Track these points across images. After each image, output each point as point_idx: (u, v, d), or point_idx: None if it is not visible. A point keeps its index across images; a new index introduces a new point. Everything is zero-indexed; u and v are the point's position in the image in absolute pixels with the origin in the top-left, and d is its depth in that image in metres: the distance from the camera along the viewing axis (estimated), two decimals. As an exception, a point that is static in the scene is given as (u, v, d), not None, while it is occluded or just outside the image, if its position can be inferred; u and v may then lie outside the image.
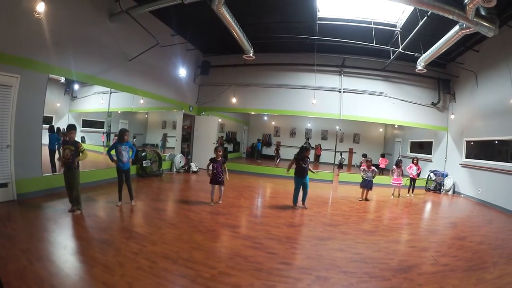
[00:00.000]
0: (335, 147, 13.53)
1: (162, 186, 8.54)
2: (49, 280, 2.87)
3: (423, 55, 8.67)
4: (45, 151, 6.27)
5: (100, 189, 7.08)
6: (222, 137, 16.63)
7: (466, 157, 10.30)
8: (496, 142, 8.96)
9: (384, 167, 12.71)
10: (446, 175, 10.94)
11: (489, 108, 9.03)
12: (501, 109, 8.38)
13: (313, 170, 7.08)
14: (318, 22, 8.76)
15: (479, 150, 9.83)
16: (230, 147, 17.37)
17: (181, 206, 6.28)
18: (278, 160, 15.30)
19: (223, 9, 6.86)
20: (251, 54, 9.54)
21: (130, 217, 5.38)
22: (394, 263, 4.03)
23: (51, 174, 6.27)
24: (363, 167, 8.52)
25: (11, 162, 5.37)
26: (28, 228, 4.20)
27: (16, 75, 5.35)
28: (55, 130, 7.14)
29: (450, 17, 5.96)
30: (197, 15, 8.84)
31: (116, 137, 5.25)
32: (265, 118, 18.78)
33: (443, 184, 10.83)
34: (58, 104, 7.72)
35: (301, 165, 6.73)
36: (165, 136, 11.79)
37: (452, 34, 6.92)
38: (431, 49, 8.11)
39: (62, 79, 7.02)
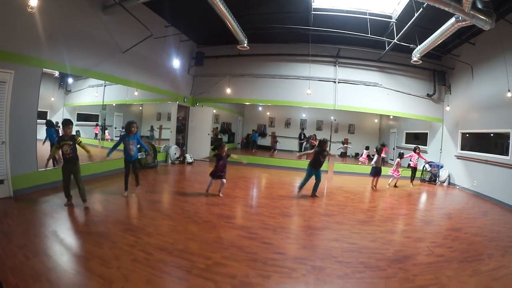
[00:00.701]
0: (330, 138, 13.53)
1: (157, 178, 8.53)
2: (47, 275, 2.87)
3: (419, 47, 8.67)
4: (40, 146, 6.17)
5: (96, 182, 7.03)
6: (217, 128, 16.59)
7: (462, 149, 10.35)
8: (492, 135, 8.99)
9: (385, 156, 12.74)
10: (442, 167, 11.02)
11: (484, 101, 9.05)
12: (497, 102, 8.40)
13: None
14: (313, 12, 8.73)
15: (475, 142, 9.87)
16: (225, 138, 17.34)
17: (176, 198, 6.27)
18: (275, 151, 15.33)
19: (217, -1, 6.80)
20: (245, 45, 9.52)
21: (126, 209, 5.37)
22: (389, 253, 4.06)
23: (44, 169, 6.20)
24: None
25: (6, 158, 5.30)
26: (24, 224, 4.17)
27: (10, 70, 5.26)
28: (55, 124, 7.10)
29: (446, 9, 5.96)
30: (191, 5, 8.74)
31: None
32: (260, 108, 18.70)
33: (438, 175, 10.91)
34: (52, 99, 7.63)
35: (319, 158, 6.92)
36: (152, 128, 11.69)
37: (448, 26, 6.93)
38: (427, 40, 8.11)
39: (56, 73, 6.94)
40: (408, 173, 9.91)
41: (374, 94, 11.65)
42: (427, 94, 11.62)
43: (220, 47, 12.07)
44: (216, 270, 3.23)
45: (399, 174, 9.23)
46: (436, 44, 7.96)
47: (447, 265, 3.75)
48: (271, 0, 8.65)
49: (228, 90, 12.06)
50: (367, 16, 8.69)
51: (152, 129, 11.68)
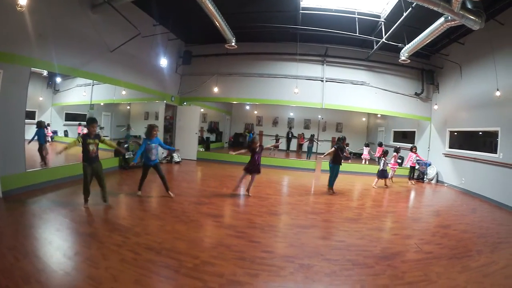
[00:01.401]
0: (317, 136, 13.90)
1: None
2: (36, 276, 2.85)
3: (407, 46, 8.74)
4: (26, 146, 6.08)
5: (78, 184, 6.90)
6: (202, 127, 16.40)
7: (450, 147, 10.48)
8: (480, 133, 9.13)
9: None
10: (429, 164, 11.15)
11: (473, 100, 9.17)
12: (486, 101, 8.51)
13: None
14: (301, 11, 8.76)
15: (463, 140, 9.98)
16: (212, 137, 17.24)
17: (163, 197, 6.23)
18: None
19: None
20: (233, 43, 9.49)
21: (115, 210, 5.27)
22: (377, 250, 4.11)
23: (33, 169, 6.11)
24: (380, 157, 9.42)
25: (-5, 160, 5.22)
26: (14, 225, 4.12)
27: (-1, 70, 5.19)
28: (46, 125, 7.05)
29: (436, 9, 6.00)
30: (179, 4, 8.71)
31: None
32: (248, 107, 18.68)
33: (426, 173, 11.04)
34: (40, 98, 7.54)
35: (339, 154, 7.57)
36: (128, 126, 11.47)
37: (437, 26, 6.98)
38: (415, 40, 8.17)
39: (45, 73, 6.85)
40: (404, 171, 10.09)
41: (361, 93, 11.73)
42: (415, 92, 11.73)
43: (208, 46, 12.02)
44: (204, 269, 3.23)
45: (395, 168, 9.72)
46: (425, 44, 8.03)
47: (436, 262, 3.80)
48: (259, -1, 8.65)
49: (216, 89, 11.98)
50: (356, 16, 8.75)
51: (128, 127, 11.40)
